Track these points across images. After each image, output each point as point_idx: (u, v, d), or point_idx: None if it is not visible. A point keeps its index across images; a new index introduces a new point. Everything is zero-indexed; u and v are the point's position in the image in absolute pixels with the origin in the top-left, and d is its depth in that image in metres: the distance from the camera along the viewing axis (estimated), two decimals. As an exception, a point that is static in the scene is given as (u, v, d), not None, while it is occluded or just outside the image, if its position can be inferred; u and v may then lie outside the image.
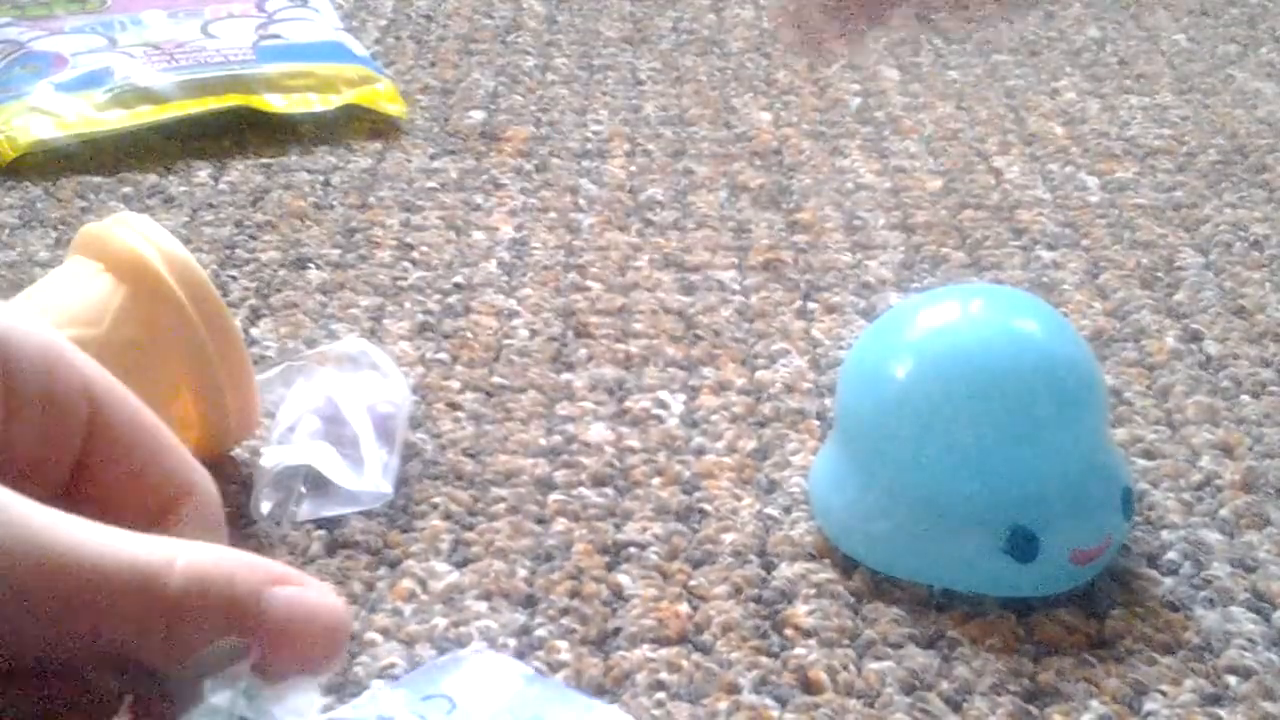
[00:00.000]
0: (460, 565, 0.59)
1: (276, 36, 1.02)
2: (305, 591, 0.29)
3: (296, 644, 0.29)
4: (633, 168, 0.91)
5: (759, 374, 0.71)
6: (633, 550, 0.59)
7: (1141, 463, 0.65)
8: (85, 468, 0.32)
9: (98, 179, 0.89)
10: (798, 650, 0.54)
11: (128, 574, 0.27)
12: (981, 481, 0.56)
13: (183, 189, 0.88)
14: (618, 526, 0.61)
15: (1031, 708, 0.52)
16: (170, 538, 0.29)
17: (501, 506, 0.62)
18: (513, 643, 0.55)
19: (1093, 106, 1.01)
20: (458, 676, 0.52)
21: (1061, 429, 0.57)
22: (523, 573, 0.58)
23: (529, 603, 0.57)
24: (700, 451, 0.65)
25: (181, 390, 0.59)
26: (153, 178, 0.89)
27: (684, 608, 0.56)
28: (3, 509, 0.27)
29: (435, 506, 0.62)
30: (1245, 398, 0.70)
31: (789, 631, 0.55)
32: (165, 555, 0.28)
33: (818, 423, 0.67)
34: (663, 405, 0.68)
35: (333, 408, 0.63)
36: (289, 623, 0.29)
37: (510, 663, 0.52)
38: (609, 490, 0.63)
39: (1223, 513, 0.62)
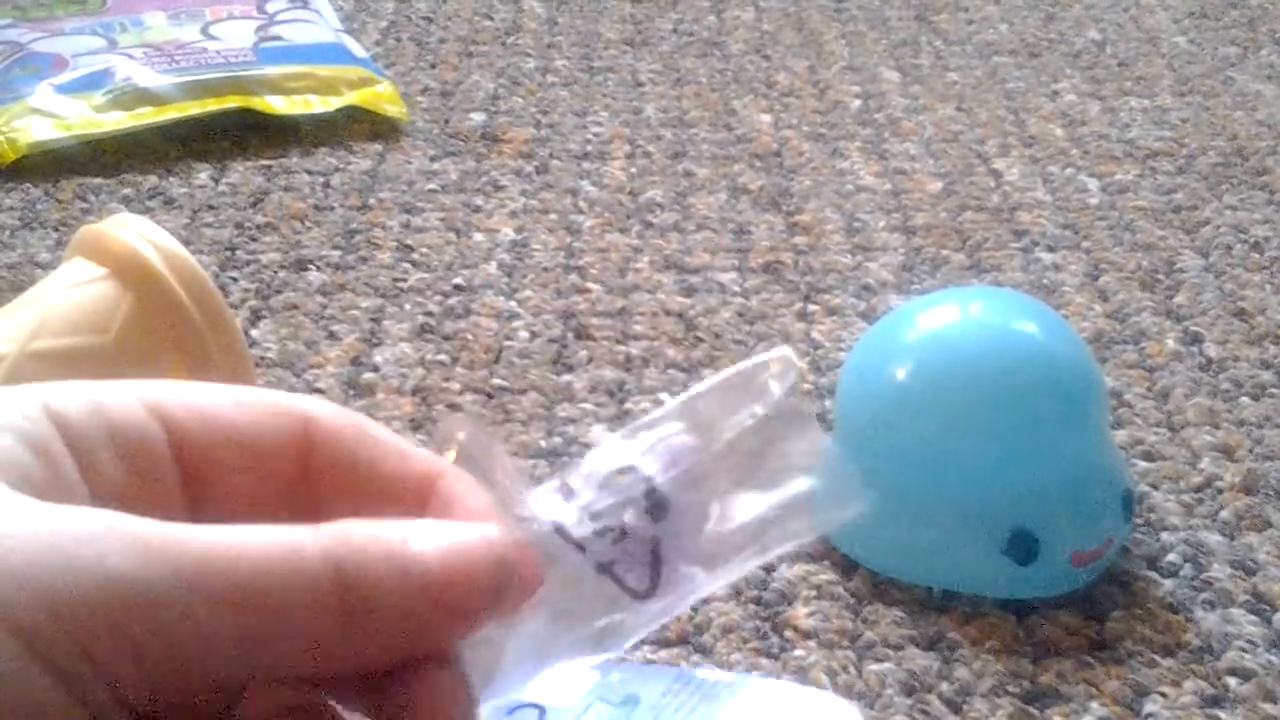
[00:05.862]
0: (460, 567, 0.58)
1: (277, 38, 1.02)
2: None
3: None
4: (633, 169, 0.92)
5: (759, 376, 0.71)
6: (633, 552, 0.59)
7: (1142, 464, 0.65)
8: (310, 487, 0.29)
9: (98, 180, 0.89)
10: (798, 652, 0.54)
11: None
12: (982, 483, 0.56)
13: (183, 190, 0.88)
14: (618, 528, 0.61)
15: (1031, 709, 0.52)
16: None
17: (502, 508, 0.62)
18: (513, 644, 0.55)
19: (1093, 108, 1.01)
20: (536, 682, 0.52)
21: (1062, 431, 0.57)
22: (523, 574, 0.58)
23: (529, 604, 0.57)
24: (700, 453, 0.65)
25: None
26: (153, 179, 0.89)
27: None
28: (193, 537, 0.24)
29: (435, 508, 0.62)
30: (1245, 400, 0.70)
31: (789, 633, 0.55)
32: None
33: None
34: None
35: None
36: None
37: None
38: (609, 492, 0.63)
39: (1223, 515, 0.62)
